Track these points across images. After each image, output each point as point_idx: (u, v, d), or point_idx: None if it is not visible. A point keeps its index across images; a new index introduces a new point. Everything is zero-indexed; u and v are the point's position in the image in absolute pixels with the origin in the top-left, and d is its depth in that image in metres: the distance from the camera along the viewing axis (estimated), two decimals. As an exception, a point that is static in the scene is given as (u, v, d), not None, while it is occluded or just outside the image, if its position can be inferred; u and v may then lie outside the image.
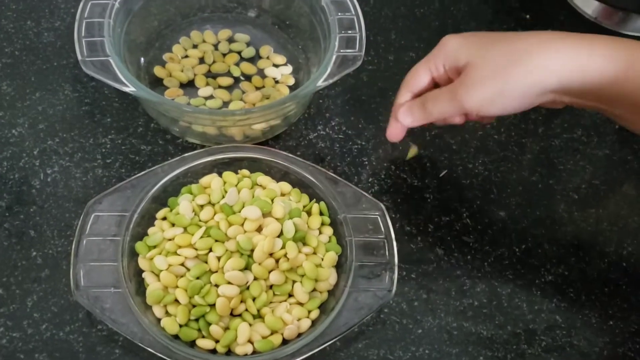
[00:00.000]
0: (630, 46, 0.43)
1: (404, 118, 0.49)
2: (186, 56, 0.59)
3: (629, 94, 0.42)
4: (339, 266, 0.49)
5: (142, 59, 0.58)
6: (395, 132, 0.51)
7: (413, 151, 0.57)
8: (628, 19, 0.68)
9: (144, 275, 0.47)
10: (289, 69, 0.59)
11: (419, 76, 0.49)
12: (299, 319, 0.46)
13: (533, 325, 0.50)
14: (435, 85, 0.50)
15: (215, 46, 0.60)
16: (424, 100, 0.48)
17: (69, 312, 0.47)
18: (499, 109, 0.45)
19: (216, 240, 0.47)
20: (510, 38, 0.45)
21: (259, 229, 0.48)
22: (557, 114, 0.61)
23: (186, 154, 0.51)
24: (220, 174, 0.51)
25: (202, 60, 0.59)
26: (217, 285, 0.45)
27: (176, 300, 0.46)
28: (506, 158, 0.58)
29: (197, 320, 0.45)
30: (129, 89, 0.48)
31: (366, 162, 0.56)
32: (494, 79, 0.44)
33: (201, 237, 0.47)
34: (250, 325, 0.45)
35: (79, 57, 0.49)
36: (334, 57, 0.52)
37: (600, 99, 0.44)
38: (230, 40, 0.61)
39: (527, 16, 0.68)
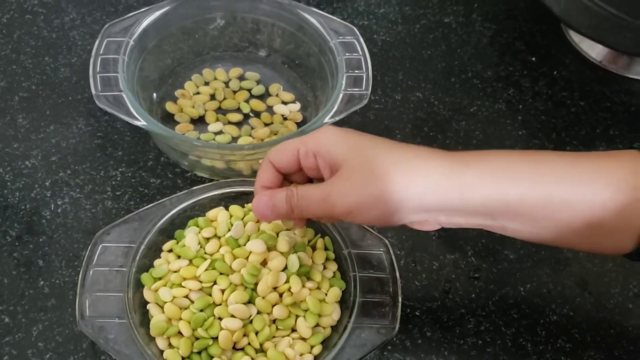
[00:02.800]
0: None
1: (263, 210, 0.43)
2: (198, 93, 0.60)
3: (511, 204, 0.39)
4: (342, 302, 0.49)
5: (155, 95, 0.60)
6: (264, 213, 0.43)
7: None
8: (633, 63, 0.69)
9: (148, 306, 0.47)
10: (297, 106, 0.60)
11: (288, 153, 0.43)
12: (301, 354, 0.46)
13: (538, 365, 0.49)
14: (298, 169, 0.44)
15: (226, 83, 0.61)
16: (291, 194, 0.42)
17: (73, 342, 0.47)
18: (368, 219, 0.41)
19: (221, 273, 0.47)
20: (392, 145, 0.41)
21: (264, 263, 0.48)
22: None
23: (194, 187, 0.51)
24: (227, 208, 0.52)
25: (213, 97, 0.60)
26: (220, 318, 0.46)
27: (179, 333, 0.46)
28: (511, 197, 0.58)
29: (199, 353, 0.45)
30: (140, 122, 0.49)
31: (372, 199, 0.57)
32: (368, 188, 0.39)
33: (206, 269, 0.47)
34: (252, 359, 0.45)
35: (93, 92, 0.51)
36: (341, 95, 0.53)
37: (484, 215, 0.40)
38: (241, 78, 0.62)
39: (533, 59, 0.69)
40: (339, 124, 0.59)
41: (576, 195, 0.38)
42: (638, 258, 0.40)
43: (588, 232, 0.39)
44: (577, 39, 0.71)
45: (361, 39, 0.57)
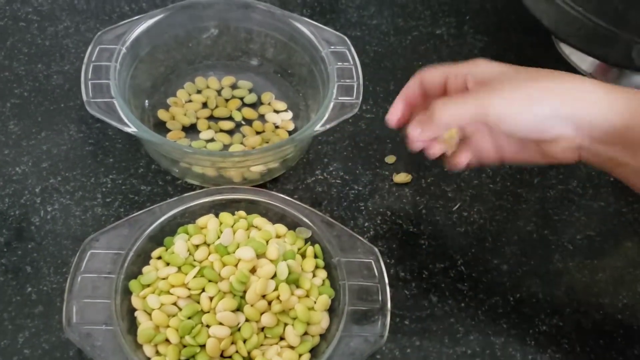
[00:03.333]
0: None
1: (413, 130, 0.44)
2: (190, 101, 0.61)
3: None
4: (331, 310, 0.49)
5: (147, 102, 0.60)
6: (394, 117, 0.48)
7: (391, 158, 0.59)
8: (623, 75, 0.70)
9: (136, 313, 0.47)
10: (289, 115, 0.61)
11: (439, 72, 0.46)
12: (289, 363, 0.46)
13: (527, 375, 0.49)
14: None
15: (219, 92, 0.62)
16: (432, 107, 0.43)
17: (59, 350, 0.47)
18: (520, 127, 0.42)
19: (209, 281, 0.47)
20: (545, 73, 0.44)
21: (253, 270, 0.48)
22: (553, 165, 0.62)
23: (184, 195, 0.51)
24: (217, 215, 0.52)
25: (205, 105, 0.60)
26: (208, 326, 0.46)
27: (167, 340, 0.45)
28: (501, 207, 0.58)
29: (187, 360, 0.45)
30: (131, 129, 0.49)
31: (362, 208, 0.57)
32: (524, 95, 0.41)
33: (195, 277, 0.47)
34: (240, 367, 0.45)
35: (84, 98, 0.51)
36: (332, 104, 0.53)
37: (625, 143, 0.42)
38: (234, 86, 0.62)
39: (524, 70, 0.69)
40: (330, 132, 0.60)
41: None
42: None
43: None
44: (567, 51, 0.72)
45: (352, 49, 0.57)
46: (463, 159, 0.49)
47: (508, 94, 0.42)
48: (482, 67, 0.45)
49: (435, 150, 0.48)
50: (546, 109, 0.42)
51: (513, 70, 0.44)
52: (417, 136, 0.45)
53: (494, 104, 0.42)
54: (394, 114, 0.48)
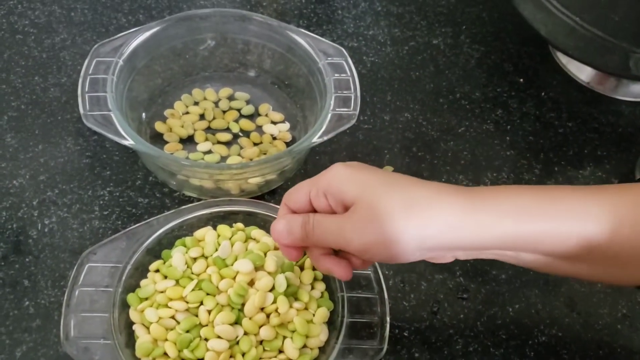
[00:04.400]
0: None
1: (280, 233, 0.42)
2: (187, 112, 0.61)
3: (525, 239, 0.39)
4: (330, 322, 0.48)
5: (144, 114, 0.60)
6: (277, 232, 0.43)
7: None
8: (620, 84, 0.70)
9: (134, 327, 0.47)
10: (286, 126, 0.61)
11: (300, 195, 0.43)
12: (288, 376, 0.45)
13: (526, 387, 0.49)
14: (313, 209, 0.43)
15: (216, 103, 0.62)
16: (306, 220, 0.41)
17: (57, 364, 0.47)
18: (383, 258, 0.40)
19: (207, 294, 0.47)
20: (406, 182, 0.40)
21: (251, 283, 0.48)
22: (550, 174, 0.62)
23: (182, 207, 0.51)
24: (215, 227, 0.52)
25: (202, 117, 0.60)
26: (206, 339, 0.45)
27: (165, 354, 0.45)
28: (500, 217, 0.58)
29: (185, 374, 0.45)
30: (129, 142, 0.49)
31: (360, 219, 0.57)
32: (387, 226, 0.38)
33: (192, 290, 0.47)
34: (238, 380, 0.45)
35: (81, 111, 0.51)
36: (329, 115, 0.53)
37: (501, 249, 0.40)
38: (231, 98, 0.62)
39: (521, 80, 0.70)
40: (328, 144, 0.60)
41: (589, 227, 0.38)
42: None
43: (604, 264, 0.39)
44: (564, 60, 0.72)
45: (349, 60, 0.57)
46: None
47: (368, 233, 0.39)
48: (337, 182, 0.40)
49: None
50: (407, 249, 0.38)
51: (372, 185, 0.40)
52: (284, 238, 0.43)
53: (355, 241, 0.39)
54: (280, 233, 0.43)
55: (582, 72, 0.71)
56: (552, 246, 0.39)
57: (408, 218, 0.38)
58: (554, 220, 0.39)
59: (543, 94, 0.69)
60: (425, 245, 0.38)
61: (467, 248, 0.40)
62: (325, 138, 0.52)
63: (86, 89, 0.52)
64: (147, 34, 0.57)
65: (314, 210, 0.43)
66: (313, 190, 0.42)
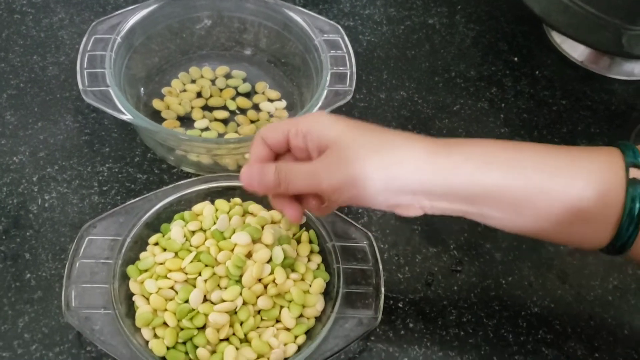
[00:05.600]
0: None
1: (251, 180, 0.43)
2: (184, 90, 0.61)
3: (490, 192, 0.40)
4: (326, 293, 0.49)
5: (142, 92, 0.60)
6: (247, 181, 0.44)
7: None
8: (614, 63, 0.71)
9: (134, 298, 0.48)
10: (283, 104, 0.61)
11: (278, 131, 0.43)
12: (285, 344, 0.46)
13: (519, 356, 0.50)
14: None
15: (213, 81, 0.62)
16: (280, 168, 0.43)
17: (59, 334, 0.47)
18: (351, 198, 0.41)
19: (206, 265, 0.48)
20: (381, 130, 0.42)
21: (249, 255, 0.49)
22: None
23: (180, 182, 0.52)
24: (213, 202, 0.52)
25: (199, 95, 0.61)
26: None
27: (165, 323, 0.46)
28: (494, 193, 0.59)
29: (184, 343, 0.46)
30: (127, 117, 0.50)
31: (356, 194, 0.57)
32: (357, 164, 0.39)
33: (191, 261, 0.48)
34: (237, 349, 0.46)
35: (80, 87, 0.52)
36: (325, 91, 0.54)
37: (465, 201, 0.41)
38: (228, 76, 0.63)
39: (515, 59, 0.70)
40: (324, 121, 0.60)
41: (552, 183, 0.39)
42: (613, 252, 0.41)
43: (566, 222, 0.40)
44: (559, 40, 0.73)
45: (345, 37, 0.58)
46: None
47: (340, 170, 0.40)
48: (319, 125, 0.42)
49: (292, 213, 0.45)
50: (374, 189, 0.40)
51: (351, 130, 0.41)
52: (255, 186, 0.43)
53: (326, 181, 0.41)
54: (251, 179, 0.43)
55: (576, 51, 0.72)
56: (513, 200, 0.40)
57: (377, 159, 0.39)
58: (516, 172, 0.39)
59: (537, 72, 0.69)
60: (391, 186, 0.40)
61: (431, 193, 0.40)
62: (321, 113, 0.53)
63: (84, 66, 0.53)
64: (144, 12, 0.58)
65: (288, 150, 0.44)
66: (293, 130, 0.43)
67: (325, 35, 0.57)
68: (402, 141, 0.40)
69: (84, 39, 0.54)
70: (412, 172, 0.40)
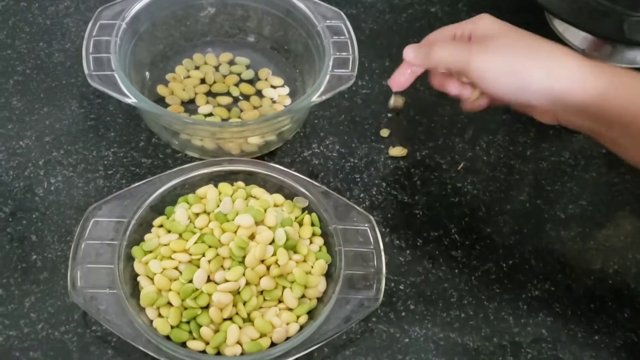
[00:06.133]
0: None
1: (407, 52, 0.50)
2: (188, 77, 0.62)
3: (618, 113, 0.44)
4: (328, 275, 0.50)
5: (146, 78, 0.61)
6: (398, 78, 0.52)
7: (398, 101, 0.60)
8: (615, 51, 0.71)
9: (138, 278, 0.48)
10: (286, 90, 0.62)
11: (445, 32, 0.50)
12: (287, 323, 0.47)
13: (519, 338, 0.50)
14: None
15: (217, 68, 0.63)
16: (434, 42, 0.49)
17: (64, 313, 0.48)
18: (497, 88, 0.46)
19: (210, 246, 0.48)
20: (534, 42, 0.47)
21: (252, 237, 0.49)
22: (545, 137, 0.63)
23: (184, 166, 0.53)
24: (216, 186, 0.53)
25: (203, 81, 0.62)
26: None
27: (169, 303, 0.47)
28: (495, 178, 0.60)
29: (188, 322, 0.46)
30: (131, 100, 0.50)
31: (358, 179, 0.58)
32: (512, 58, 0.45)
33: (195, 242, 0.48)
34: (240, 328, 0.46)
35: (86, 71, 0.52)
36: (327, 76, 0.54)
37: (597, 118, 0.45)
38: (231, 63, 0.64)
39: (517, 47, 0.70)
40: (326, 107, 0.61)
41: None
42: None
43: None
44: (561, 28, 0.73)
45: (347, 23, 0.58)
46: (482, 102, 0.53)
47: (495, 56, 0.45)
48: (484, 24, 0.48)
49: (452, 89, 0.52)
50: (524, 81, 0.45)
51: (510, 32, 0.48)
52: (410, 58, 0.50)
53: (477, 60, 0.46)
54: (398, 81, 0.52)
55: (578, 40, 0.72)
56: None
57: (538, 60, 0.45)
58: None
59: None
60: (542, 86, 0.45)
61: (565, 98, 0.45)
62: (324, 98, 0.53)
63: (90, 50, 0.53)
64: (149, -1, 0.58)
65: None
66: (459, 31, 0.49)
67: (328, 21, 0.58)
68: (558, 49, 0.46)
69: (90, 25, 0.55)
70: (562, 80, 0.44)
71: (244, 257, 0.48)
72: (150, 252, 0.49)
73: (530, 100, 0.47)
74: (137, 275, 0.49)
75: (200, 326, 0.46)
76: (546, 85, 0.45)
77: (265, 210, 0.51)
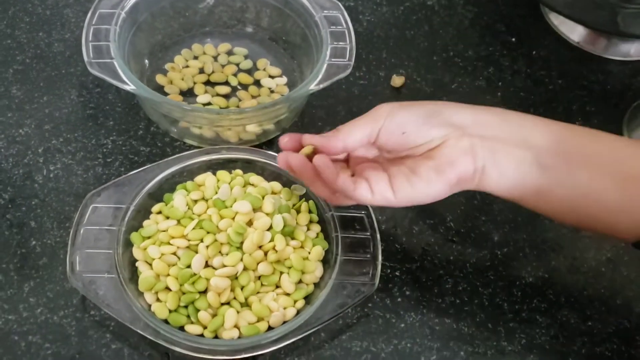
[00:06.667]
0: None
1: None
2: (187, 66, 0.62)
3: None
4: (325, 261, 0.51)
5: (145, 68, 0.61)
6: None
7: (398, 80, 0.60)
8: (610, 44, 0.72)
9: (137, 264, 0.49)
10: (283, 80, 0.62)
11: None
12: (284, 308, 0.48)
13: (513, 323, 0.51)
14: None
15: (215, 58, 0.63)
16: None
17: (63, 298, 0.49)
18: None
19: (208, 232, 0.49)
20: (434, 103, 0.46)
21: (250, 223, 0.50)
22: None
23: (183, 153, 0.53)
24: (214, 174, 0.54)
25: (201, 70, 0.62)
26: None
27: (167, 288, 0.47)
28: (490, 168, 0.60)
29: (186, 307, 0.47)
30: (130, 87, 0.51)
31: (355, 168, 0.59)
32: (420, 110, 0.45)
33: (193, 228, 0.49)
34: (237, 312, 0.47)
35: (85, 59, 0.53)
36: (325, 65, 0.55)
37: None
38: (229, 53, 0.64)
39: (513, 39, 0.71)
40: (324, 97, 0.62)
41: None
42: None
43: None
44: (556, 21, 0.74)
45: (345, 13, 0.59)
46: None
47: (406, 111, 0.45)
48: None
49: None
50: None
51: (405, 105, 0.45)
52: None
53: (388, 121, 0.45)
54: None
55: (573, 33, 0.72)
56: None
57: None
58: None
59: (534, 53, 0.70)
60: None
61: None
62: (322, 86, 0.54)
63: (89, 39, 0.54)
64: (148, -12, 0.59)
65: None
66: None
67: (326, 12, 0.58)
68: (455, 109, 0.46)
69: (89, 13, 0.55)
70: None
71: (241, 243, 0.49)
72: (149, 237, 0.49)
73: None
74: (135, 260, 0.49)
75: (198, 310, 0.46)
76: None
77: (263, 197, 0.51)
